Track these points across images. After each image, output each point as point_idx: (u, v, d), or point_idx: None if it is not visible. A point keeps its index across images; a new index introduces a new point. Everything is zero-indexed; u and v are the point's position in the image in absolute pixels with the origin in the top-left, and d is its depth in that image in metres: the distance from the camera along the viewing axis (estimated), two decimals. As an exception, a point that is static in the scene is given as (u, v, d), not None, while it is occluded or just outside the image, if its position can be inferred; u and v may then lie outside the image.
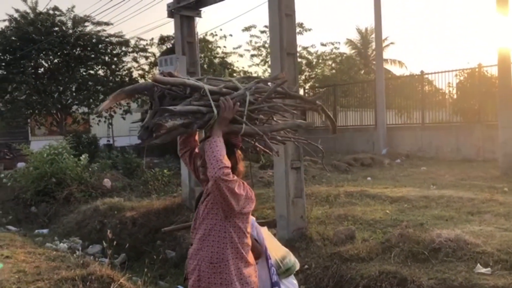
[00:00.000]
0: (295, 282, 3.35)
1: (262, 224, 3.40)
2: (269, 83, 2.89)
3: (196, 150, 2.87)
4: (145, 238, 7.88)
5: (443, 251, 4.80)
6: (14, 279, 5.14)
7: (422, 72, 16.44)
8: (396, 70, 30.68)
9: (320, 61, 22.20)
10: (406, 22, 55.43)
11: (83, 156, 12.08)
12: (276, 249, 3.34)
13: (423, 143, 15.42)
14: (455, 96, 16.38)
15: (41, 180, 11.05)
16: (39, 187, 11.03)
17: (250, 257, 2.67)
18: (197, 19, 8.92)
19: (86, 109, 20.43)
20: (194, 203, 2.93)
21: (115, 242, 5.92)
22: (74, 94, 19.58)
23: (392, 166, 13.31)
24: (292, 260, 3.34)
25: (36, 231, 9.70)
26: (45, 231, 9.67)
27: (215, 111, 2.48)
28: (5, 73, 18.46)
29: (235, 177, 2.47)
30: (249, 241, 2.65)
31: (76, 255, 6.97)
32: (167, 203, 8.71)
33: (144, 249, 7.51)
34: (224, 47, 20.29)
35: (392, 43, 31.42)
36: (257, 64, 21.51)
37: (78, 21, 19.15)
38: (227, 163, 2.41)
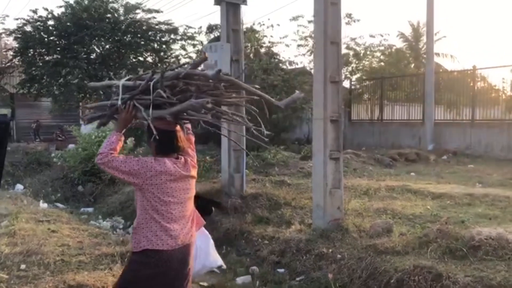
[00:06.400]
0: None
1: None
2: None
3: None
4: (184, 221, 8.03)
5: (482, 249, 4.64)
6: (58, 251, 5.40)
7: (474, 67, 15.77)
8: (448, 65, 29.68)
9: (368, 52, 21.70)
10: (460, 15, 53.35)
11: (129, 139, 12.40)
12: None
13: (472, 141, 14.85)
14: (509, 93, 15.68)
15: (89, 161, 11.39)
16: (86, 167, 11.42)
17: (173, 219, 3.01)
18: (242, 6, 8.93)
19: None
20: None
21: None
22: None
23: (437, 163, 12.95)
24: None
25: (82, 209, 10.11)
26: (90, 209, 10.06)
27: (119, 103, 3.02)
28: (59, 57, 19.16)
29: (114, 157, 2.92)
30: (170, 208, 3.00)
31: (116, 233, 7.25)
32: (207, 187, 8.83)
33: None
34: (271, 36, 20.16)
35: (444, 36, 30.35)
36: (303, 54, 21.30)
37: (130, 8, 19.58)
38: (105, 150, 2.94)
